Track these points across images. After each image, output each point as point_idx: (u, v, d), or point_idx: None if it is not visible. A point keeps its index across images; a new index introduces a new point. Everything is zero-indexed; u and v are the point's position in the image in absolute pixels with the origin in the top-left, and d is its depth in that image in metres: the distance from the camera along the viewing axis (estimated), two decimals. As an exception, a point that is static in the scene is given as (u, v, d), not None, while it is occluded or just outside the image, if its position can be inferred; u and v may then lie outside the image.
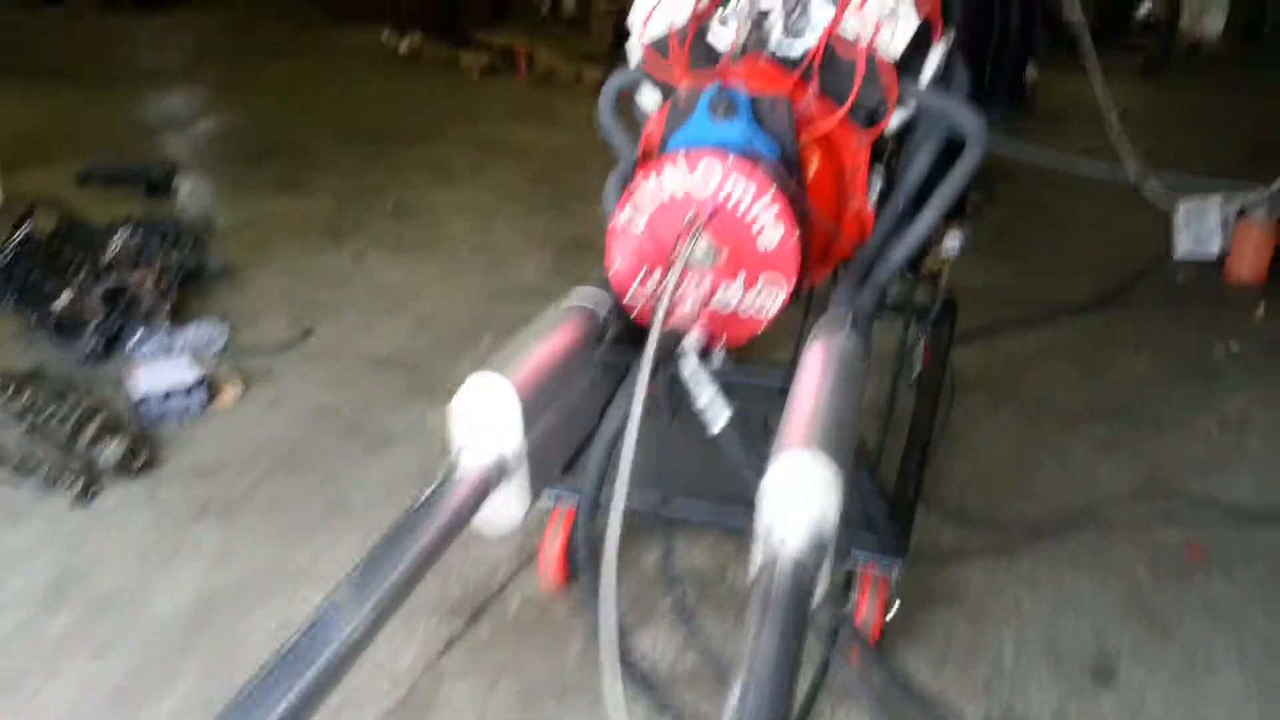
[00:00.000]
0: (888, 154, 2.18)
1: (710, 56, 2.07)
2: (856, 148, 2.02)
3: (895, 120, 2.08)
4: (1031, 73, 7.47)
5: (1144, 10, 8.49)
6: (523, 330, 1.72)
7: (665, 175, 1.77)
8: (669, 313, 1.72)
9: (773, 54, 2.01)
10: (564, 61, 8.33)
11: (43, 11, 11.16)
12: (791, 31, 2.00)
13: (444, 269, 4.42)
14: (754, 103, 1.82)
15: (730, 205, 1.76)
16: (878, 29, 1.96)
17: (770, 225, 1.75)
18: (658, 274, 1.83)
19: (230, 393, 3.39)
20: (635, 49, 2.18)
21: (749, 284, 1.81)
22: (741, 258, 1.79)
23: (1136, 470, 2.98)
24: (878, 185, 2.11)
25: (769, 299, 1.81)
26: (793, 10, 1.99)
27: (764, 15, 2.00)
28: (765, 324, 1.84)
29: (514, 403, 1.50)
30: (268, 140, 6.29)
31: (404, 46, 8.85)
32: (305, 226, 4.80)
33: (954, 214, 3.05)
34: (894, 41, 1.98)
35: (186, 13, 11.29)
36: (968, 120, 2.01)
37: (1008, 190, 5.68)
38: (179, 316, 3.79)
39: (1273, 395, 3.39)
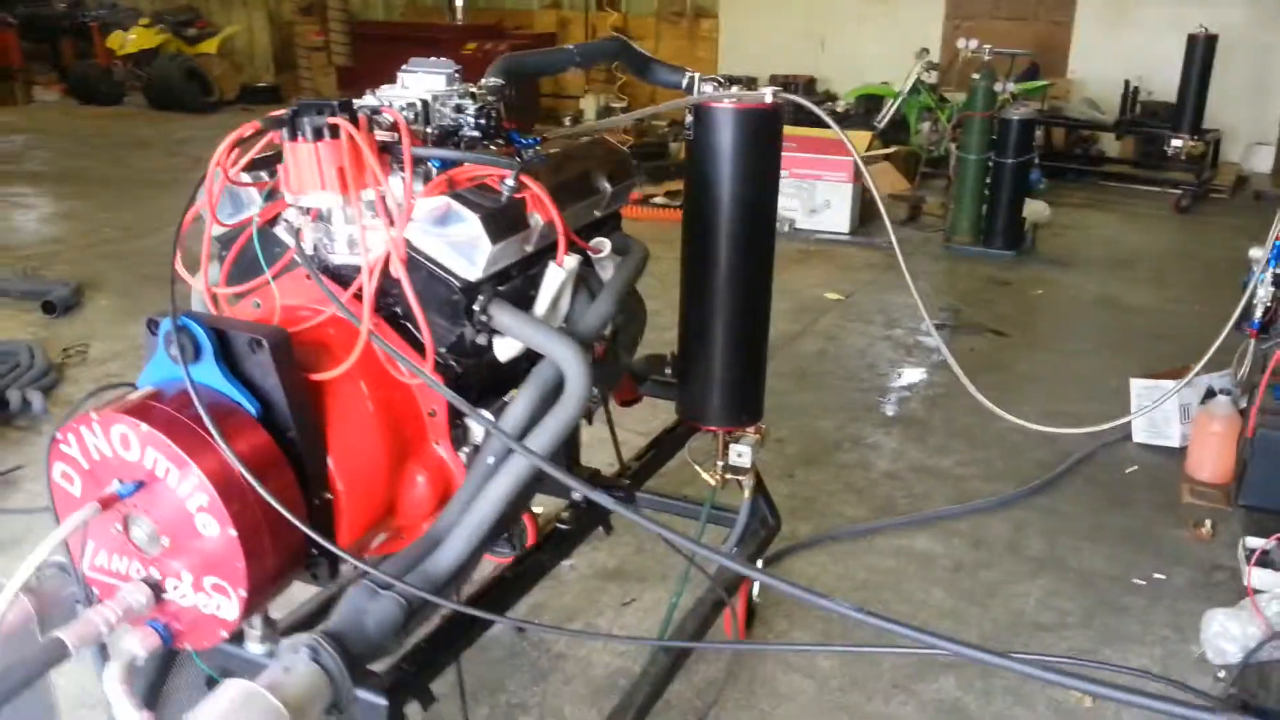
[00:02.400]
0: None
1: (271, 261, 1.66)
2: (430, 385, 1.57)
3: (504, 351, 1.63)
4: (1041, 210, 6.91)
5: (1176, 146, 7.82)
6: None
7: (83, 436, 1.35)
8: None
9: (336, 267, 1.60)
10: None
11: (91, 111, 11.58)
12: (355, 241, 1.57)
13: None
14: (225, 342, 1.40)
15: (160, 483, 1.33)
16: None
17: (204, 517, 1.31)
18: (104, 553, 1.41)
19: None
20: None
21: (195, 584, 1.36)
22: (181, 550, 1.35)
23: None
24: (479, 431, 1.65)
25: (222, 602, 1.36)
26: (357, 218, 1.56)
27: (325, 220, 1.58)
28: (230, 627, 1.38)
29: None
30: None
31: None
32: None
33: (748, 419, 2.57)
34: (470, 262, 1.54)
35: (230, 115, 11.57)
36: (564, 360, 1.55)
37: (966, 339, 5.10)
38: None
39: (1179, 658, 2.72)
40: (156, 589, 1.38)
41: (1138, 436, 4.00)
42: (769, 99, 2.19)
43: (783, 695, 2.56)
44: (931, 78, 8.98)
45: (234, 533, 1.29)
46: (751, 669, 2.62)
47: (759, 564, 2.71)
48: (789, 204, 7.22)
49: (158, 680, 1.65)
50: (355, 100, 1.65)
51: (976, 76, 6.70)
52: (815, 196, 7.19)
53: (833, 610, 1.31)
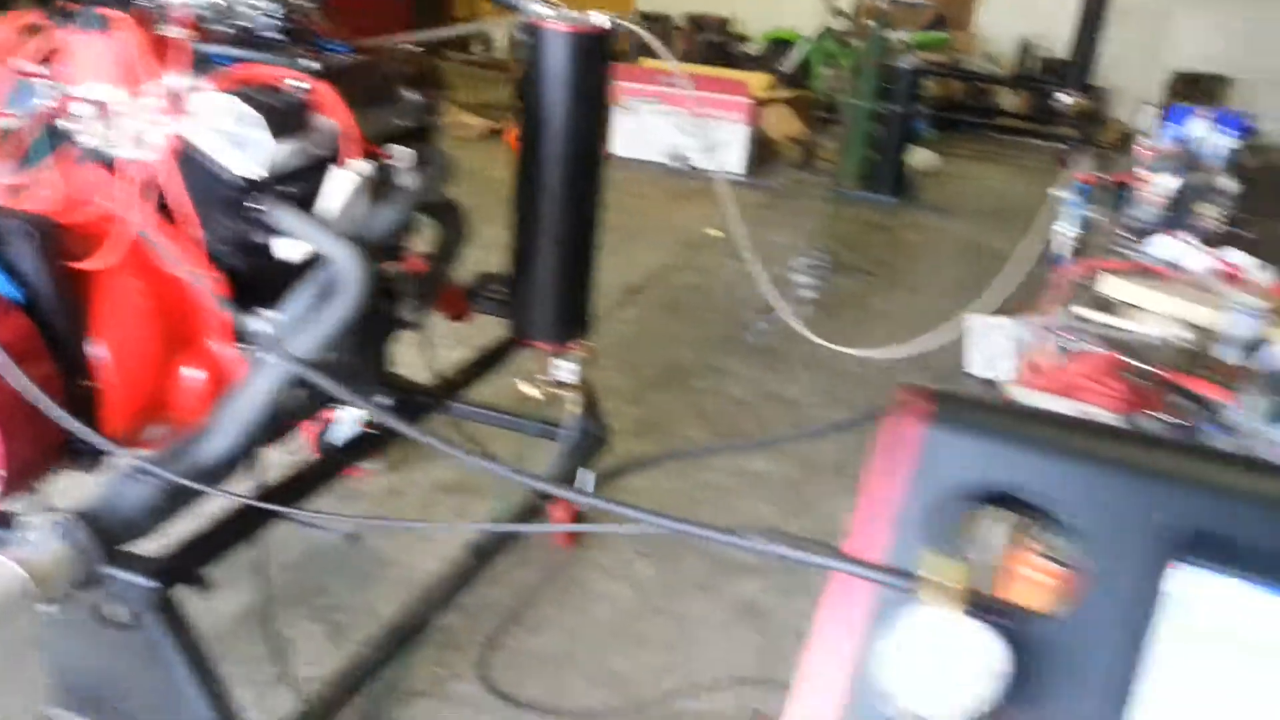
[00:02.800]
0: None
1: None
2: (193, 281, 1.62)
3: (286, 251, 1.69)
4: (928, 159, 7.12)
5: (1064, 102, 8.08)
6: None
7: None
8: None
9: (117, 160, 1.63)
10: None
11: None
12: (134, 135, 1.61)
13: None
14: (-15, 227, 1.44)
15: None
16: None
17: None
18: None
19: None
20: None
21: (-47, 462, 1.41)
22: (-62, 427, 1.40)
23: (748, 655, 2.55)
24: (262, 325, 1.72)
25: (-21, 482, 1.42)
26: (134, 109, 1.60)
27: (104, 112, 1.61)
28: (-7, 505, 1.45)
29: None
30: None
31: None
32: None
33: (575, 336, 2.66)
34: (250, 160, 1.60)
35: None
36: (340, 258, 1.62)
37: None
38: None
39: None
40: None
41: (974, 370, 4.21)
42: (603, 23, 2.24)
43: (599, 596, 2.70)
44: (840, 24, 9.08)
45: (-17, 415, 1.35)
46: (570, 574, 2.76)
47: (588, 479, 2.85)
48: (686, 141, 7.29)
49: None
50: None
51: (872, 24, 6.82)
52: (711, 136, 7.27)
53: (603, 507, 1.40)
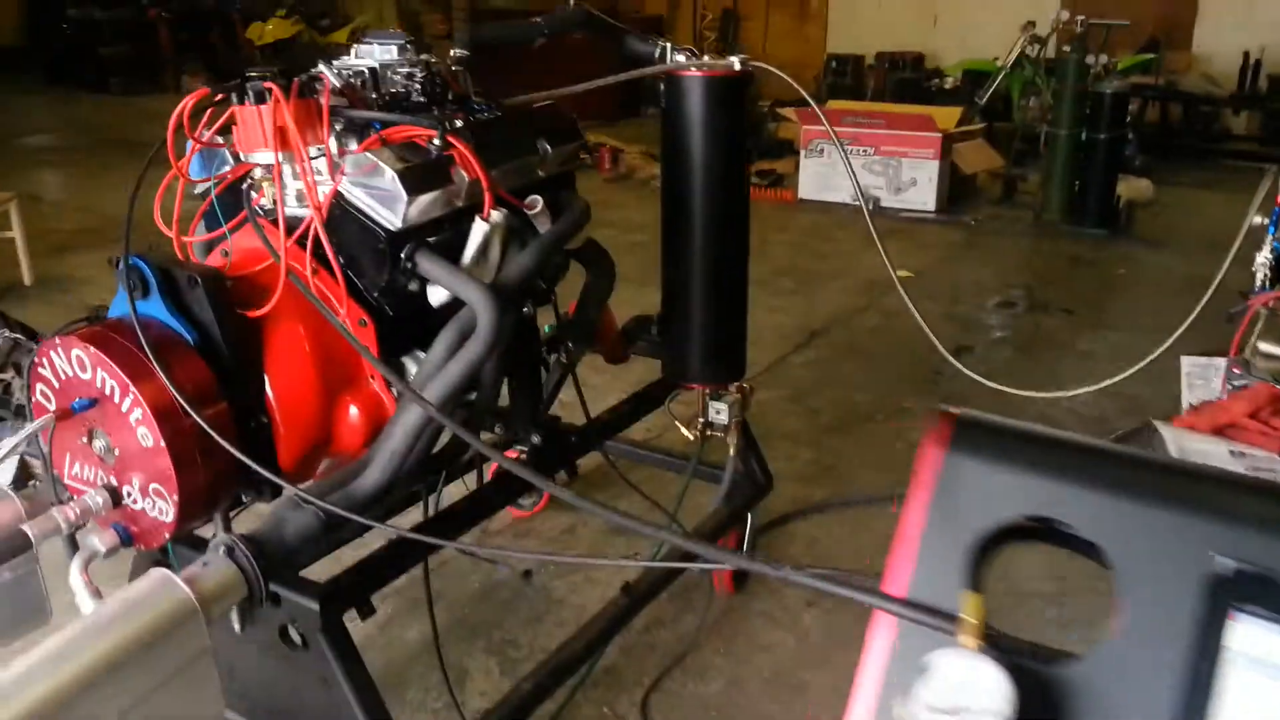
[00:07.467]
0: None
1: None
2: (360, 324, 1.74)
3: (436, 298, 1.79)
4: (1141, 188, 6.68)
5: None
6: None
7: (53, 359, 1.59)
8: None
9: (272, 215, 1.76)
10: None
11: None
12: (297, 194, 1.75)
13: None
14: (166, 279, 1.61)
15: (109, 400, 1.55)
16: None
17: (141, 430, 1.53)
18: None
19: None
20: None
21: (143, 490, 1.58)
22: (129, 460, 1.57)
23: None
24: (412, 368, 1.82)
25: (163, 508, 1.57)
26: (288, 171, 1.73)
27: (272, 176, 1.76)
28: (170, 528, 1.59)
29: None
30: None
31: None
32: None
33: (728, 377, 2.64)
34: (393, 214, 1.71)
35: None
36: (475, 300, 1.69)
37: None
38: None
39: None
40: (115, 494, 1.60)
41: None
42: (733, 66, 2.26)
43: (761, 646, 2.65)
44: (1037, 51, 8.70)
45: (164, 444, 1.50)
46: (734, 623, 2.72)
47: (748, 522, 2.82)
48: (874, 181, 7.18)
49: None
50: (313, 69, 1.83)
51: (1067, 49, 6.50)
52: (901, 174, 7.12)
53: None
